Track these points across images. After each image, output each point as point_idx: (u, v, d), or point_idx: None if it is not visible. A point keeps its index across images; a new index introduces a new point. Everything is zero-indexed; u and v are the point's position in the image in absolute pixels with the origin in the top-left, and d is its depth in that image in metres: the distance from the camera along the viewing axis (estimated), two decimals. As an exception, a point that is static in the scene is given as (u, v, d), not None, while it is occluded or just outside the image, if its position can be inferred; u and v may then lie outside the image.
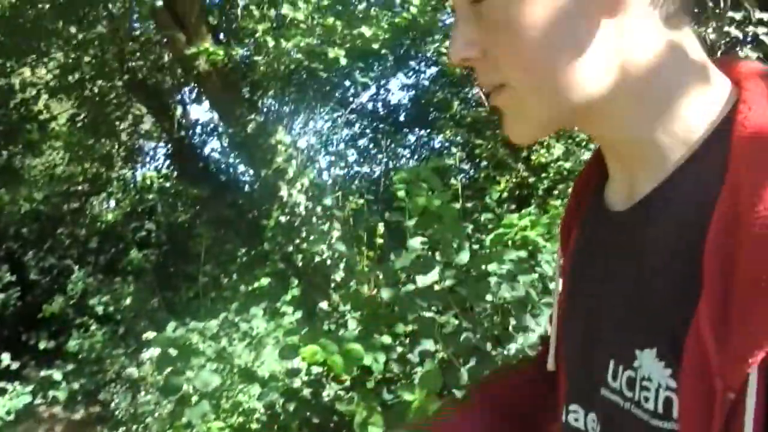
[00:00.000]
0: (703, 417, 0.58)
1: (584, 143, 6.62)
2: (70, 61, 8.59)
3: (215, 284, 6.86)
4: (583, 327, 0.81)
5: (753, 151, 0.61)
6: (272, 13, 6.19)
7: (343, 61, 5.99)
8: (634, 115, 0.71)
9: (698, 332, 0.59)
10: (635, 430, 0.68)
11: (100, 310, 7.50)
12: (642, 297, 0.70)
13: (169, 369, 5.81)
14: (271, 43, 5.86)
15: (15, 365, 7.38)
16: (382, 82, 9.48)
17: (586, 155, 6.26)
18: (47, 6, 8.39)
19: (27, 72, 9.42)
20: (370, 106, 9.76)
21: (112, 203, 9.60)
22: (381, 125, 9.53)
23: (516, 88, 0.72)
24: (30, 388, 7.15)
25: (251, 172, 7.42)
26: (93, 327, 7.50)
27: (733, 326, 0.57)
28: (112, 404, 7.09)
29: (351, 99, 8.71)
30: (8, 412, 6.87)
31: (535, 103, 0.72)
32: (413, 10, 6.11)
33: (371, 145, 9.82)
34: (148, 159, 9.40)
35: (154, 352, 6.32)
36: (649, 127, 0.70)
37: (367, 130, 9.88)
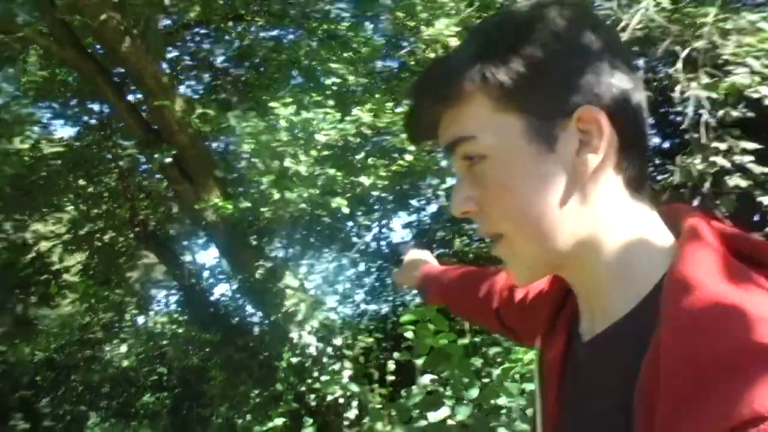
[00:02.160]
0: None
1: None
2: (82, 214, 8.96)
3: (230, 426, 6.95)
4: None
5: (674, 309, 0.69)
6: (276, 164, 6.45)
7: (346, 210, 6.24)
8: (602, 269, 0.81)
9: None
10: None
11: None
12: (591, 424, 0.80)
13: None
14: (276, 194, 6.07)
15: None
16: (384, 222, 9.70)
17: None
18: (59, 162, 8.82)
19: (40, 226, 9.79)
20: (374, 245, 9.92)
21: (124, 348, 9.74)
22: (385, 264, 9.73)
23: (509, 237, 0.83)
24: None
25: (261, 315, 7.61)
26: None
27: None
28: None
29: (355, 240, 8.93)
30: None
31: (527, 249, 0.83)
32: (409, 157, 6.42)
33: (377, 284, 9.95)
34: (159, 305, 9.60)
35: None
36: (613, 279, 0.81)
37: (373, 269, 9.99)
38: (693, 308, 0.68)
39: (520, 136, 0.80)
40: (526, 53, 0.80)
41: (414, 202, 9.45)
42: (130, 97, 7.78)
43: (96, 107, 8.97)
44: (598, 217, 0.81)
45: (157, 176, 8.34)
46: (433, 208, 9.41)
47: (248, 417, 6.96)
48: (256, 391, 7.07)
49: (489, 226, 0.85)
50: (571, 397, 0.87)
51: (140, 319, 9.63)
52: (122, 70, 7.53)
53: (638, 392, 0.69)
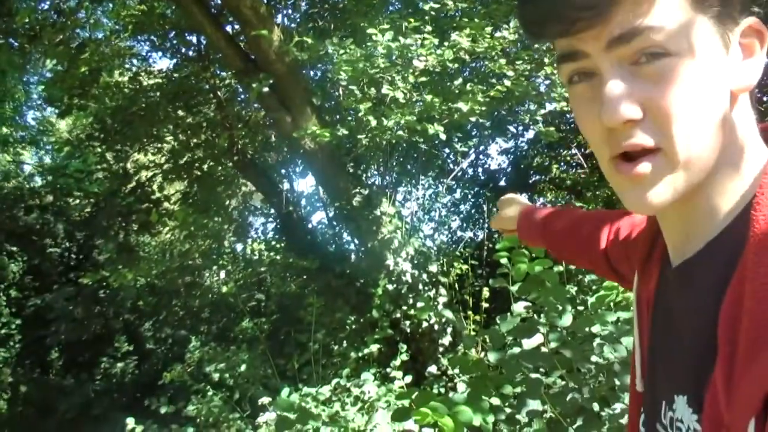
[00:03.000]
0: None
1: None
2: (181, 144, 9.20)
3: (326, 351, 7.11)
4: (652, 367, 0.90)
5: (761, 232, 0.68)
6: (373, 92, 6.45)
7: (443, 136, 6.20)
8: (723, 190, 0.77)
9: (714, 388, 0.68)
10: None
11: (216, 376, 7.85)
12: (682, 350, 0.79)
13: (287, 432, 6.10)
14: (373, 122, 6.08)
15: (139, 428, 7.78)
16: (481, 148, 9.63)
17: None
18: (158, 94, 9.04)
19: (141, 156, 10.12)
20: (470, 172, 9.92)
21: (223, 275, 10.06)
22: (482, 190, 9.69)
23: (670, 153, 0.74)
24: (153, 448, 7.53)
25: (357, 242, 7.71)
26: (210, 393, 7.86)
27: (735, 385, 0.64)
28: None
29: (452, 167, 8.90)
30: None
31: (683, 170, 0.74)
32: (507, 83, 6.30)
33: (473, 211, 9.96)
34: (257, 233, 9.84)
35: (269, 416, 6.60)
36: (721, 197, 0.77)
37: (469, 196, 10.03)
38: None
39: (706, 38, 0.73)
40: None
41: (511, 128, 9.33)
42: (228, 28, 7.87)
43: (194, 39, 9.13)
44: (733, 136, 0.76)
45: (255, 105, 8.46)
46: (530, 134, 9.29)
47: (344, 343, 7.10)
48: (353, 318, 7.20)
49: (650, 137, 0.74)
50: (663, 324, 0.86)
51: (239, 247, 9.91)
52: (219, 1, 7.60)
53: (722, 316, 0.68)
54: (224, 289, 9.32)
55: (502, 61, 6.38)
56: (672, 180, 0.75)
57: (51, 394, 10.04)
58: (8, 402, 9.94)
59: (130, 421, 7.75)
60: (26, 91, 12.89)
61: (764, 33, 0.76)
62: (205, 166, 9.00)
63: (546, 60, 6.56)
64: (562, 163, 9.16)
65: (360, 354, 6.69)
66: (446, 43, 6.11)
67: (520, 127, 9.25)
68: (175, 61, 9.62)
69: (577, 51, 0.75)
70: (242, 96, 8.84)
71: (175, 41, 9.38)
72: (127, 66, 10.17)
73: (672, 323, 0.83)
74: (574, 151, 8.69)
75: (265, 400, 6.52)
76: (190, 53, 9.33)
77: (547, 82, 6.89)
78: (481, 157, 9.97)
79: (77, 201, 11.26)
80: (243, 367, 7.65)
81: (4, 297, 10.34)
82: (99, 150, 9.87)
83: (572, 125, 8.18)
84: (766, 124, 0.83)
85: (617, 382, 3.44)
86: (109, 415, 9.47)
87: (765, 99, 6.68)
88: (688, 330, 0.77)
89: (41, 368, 10.57)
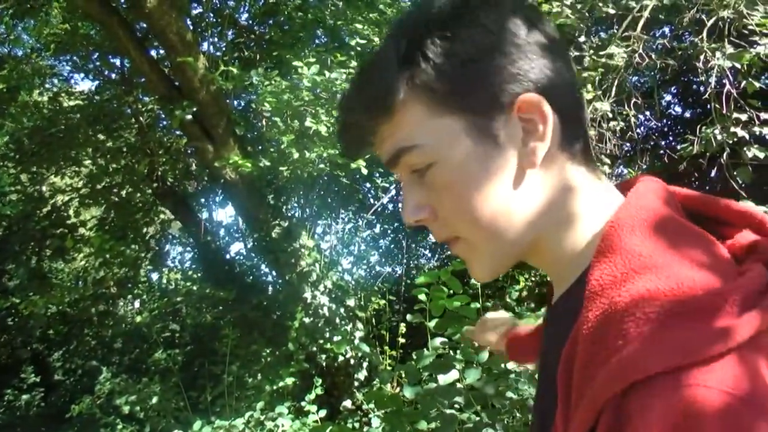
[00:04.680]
0: None
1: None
2: (100, 168, 8.98)
3: (240, 384, 6.99)
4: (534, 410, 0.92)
5: (588, 301, 0.72)
6: (296, 124, 6.44)
7: (364, 171, 6.23)
8: (559, 250, 0.83)
9: (555, 427, 0.71)
10: None
11: (126, 409, 7.62)
12: (543, 395, 0.84)
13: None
14: (295, 154, 6.07)
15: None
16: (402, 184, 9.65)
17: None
18: (78, 116, 8.83)
19: (57, 179, 9.84)
20: (390, 207, 9.87)
21: (137, 304, 9.82)
22: (401, 226, 9.65)
23: (467, 239, 0.83)
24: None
25: (275, 274, 7.64)
26: (119, 426, 7.61)
27: (571, 420, 0.68)
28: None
29: (372, 201, 8.91)
30: None
31: (486, 248, 0.82)
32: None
33: (392, 246, 9.97)
34: (174, 262, 9.65)
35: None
36: (567, 257, 0.83)
37: (389, 231, 10.00)
38: (606, 274, 0.71)
39: (462, 136, 0.79)
40: (453, 51, 0.78)
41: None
42: (152, 53, 7.78)
43: (117, 62, 8.99)
44: (551, 202, 0.81)
45: (177, 132, 8.35)
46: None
47: (259, 376, 7.00)
48: (268, 350, 7.11)
49: (445, 231, 0.84)
50: (542, 363, 0.89)
51: (154, 276, 9.70)
52: (145, 25, 7.51)
53: (561, 360, 0.72)
54: (138, 318, 9.09)
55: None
56: (486, 256, 0.83)
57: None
58: None
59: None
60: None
61: (540, 108, 0.78)
62: (124, 192, 8.81)
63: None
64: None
65: (275, 387, 6.60)
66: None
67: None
68: (97, 83, 9.46)
69: None
70: (164, 122, 8.71)
71: (98, 63, 9.22)
72: (47, 86, 9.94)
73: (546, 361, 0.87)
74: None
75: (176, 432, 6.37)
76: (113, 76, 9.19)
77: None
78: (401, 193, 9.91)
79: (-12, 224, 10.84)
80: (154, 400, 7.44)
81: None
82: (13, 171, 9.55)
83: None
84: (627, 181, 0.87)
85: (531, 419, 3.47)
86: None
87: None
88: (551, 371, 0.78)
89: (-59, 399, 10.07)
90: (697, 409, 0.58)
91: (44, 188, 9.71)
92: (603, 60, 4.77)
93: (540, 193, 0.81)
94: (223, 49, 7.94)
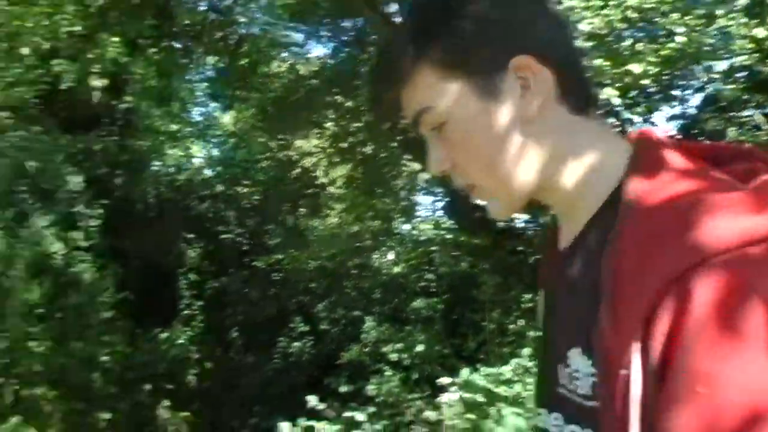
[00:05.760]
0: (610, 391, 0.77)
1: None
2: (342, 128, 9.33)
3: (501, 330, 7.05)
4: (548, 347, 1.00)
5: (627, 211, 0.82)
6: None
7: (617, 101, 5.93)
8: (568, 187, 0.93)
9: (600, 328, 0.79)
10: (577, 413, 0.88)
11: (393, 356, 7.97)
12: (573, 312, 0.91)
13: (471, 413, 6.07)
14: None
15: (321, 406, 8.02)
16: (647, 116, 9.13)
17: None
18: (315, 81, 9.20)
19: (304, 143, 10.38)
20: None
21: (392, 256, 10.17)
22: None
23: (483, 186, 0.96)
24: (337, 427, 7.76)
25: (530, 217, 7.55)
26: (388, 372, 7.99)
27: (618, 318, 0.76)
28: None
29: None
30: (319, 449, 7.53)
31: (499, 192, 0.95)
32: (680, 39, 5.91)
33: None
34: (426, 212, 9.87)
35: (451, 396, 6.62)
36: (577, 194, 0.93)
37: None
38: (642, 185, 0.83)
39: (468, 95, 0.91)
40: (457, 20, 0.91)
41: (677, 93, 8.75)
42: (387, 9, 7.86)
43: (348, 24, 9.20)
44: (553, 147, 0.92)
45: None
46: (698, 98, 8.65)
47: (520, 321, 7.00)
48: (528, 296, 7.09)
49: (463, 179, 0.97)
50: (557, 306, 0.99)
51: (406, 227, 9.97)
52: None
53: (603, 262, 0.81)
54: (395, 269, 9.42)
55: (674, 15, 5.99)
56: (501, 201, 0.97)
57: (233, 371, 10.55)
58: (196, 377, 10.54)
59: (312, 399, 8.03)
60: (191, 90, 13.53)
61: (531, 66, 0.89)
62: (368, 149, 9.08)
63: (718, 12, 6.13)
64: (738, 126, 8.48)
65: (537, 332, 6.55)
66: (612, 2, 5.83)
67: (688, 91, 8.65)
68: (330, 47, 9.76)
69: None
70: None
71: (330, 28, 9.49)
72: (284, 56, 10.43)
73: (562, 297, 0.97)
74: (750, 111, 8.06)
75: (444, 380, 6.54)
76: (345, 38, 9.42)
77: (721, 36, 6.44)
78: (647, 125, 9.38)
79: (246, 189, 11.71)
80: (419, 347, 7.71)
81: (185, 280, 10.91)
82: (262, 139, 10.18)
83: (747, 83, 7.61)
84: (640, 131, 0.97)
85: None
86: (289, 392, 9.84)
87: None
88: (581, 292, 0.88)
89: (223, 347, 11.12)
90: (753, 285, 0.71)
91: (292, 152, 10.27)
92: None
93: (543, 141, 0.92)
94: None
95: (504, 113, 0.91)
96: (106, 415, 8.38)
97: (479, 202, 1.01)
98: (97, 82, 8.70)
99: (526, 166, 0.93)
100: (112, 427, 8.53)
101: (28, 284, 7.84)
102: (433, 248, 8.67)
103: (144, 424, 9.27)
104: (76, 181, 8.88)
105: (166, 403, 9.36)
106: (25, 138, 8.57)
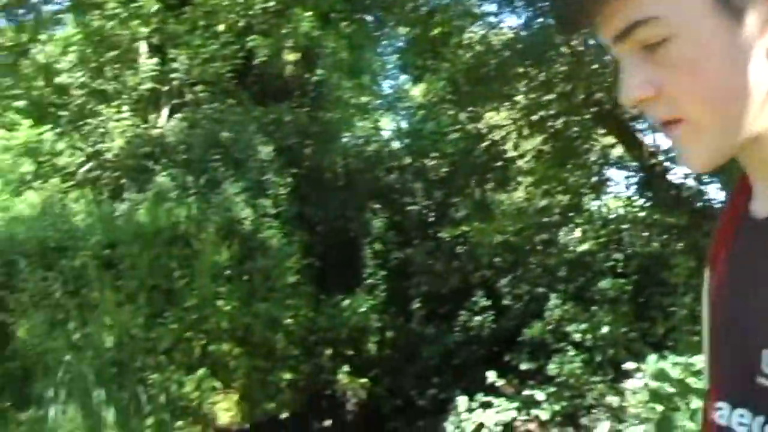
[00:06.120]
0: None
1: None
2: (534, 100, 9.11)
3: (693, 317, 6.61)
4: (734, 330, 0.84)
5: None
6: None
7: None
8: None
9: None
10: None
11: (576, 336, 7.74)
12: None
13: (659, 403, 5.74)
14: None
15: (500, 382, 7.96)
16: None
17: None
18: (508, 52, 9.02)
19: (493, 115, 10.26)
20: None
21: (578, 233, 9.87)
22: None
23: (694, 121, 0.78)
24: (515, 405, 7.68)
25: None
26: (570, 353, 7.77)
27: None
28: (594, 431, 7.27)
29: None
30: (496, 424, 7.51)
31: (714, 133, 0.78)
32: None
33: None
34: (617, 187, 9.50)
35: (636, 383, 6.31)
36: None
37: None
38: None
39: (707, 10, 0.75)
40: None
41: None
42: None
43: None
44: None
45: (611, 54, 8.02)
46: None
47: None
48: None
49: (670, 111, 0.80)
50: (746, 285, 0.83)
51: (595, 204, 9.64)
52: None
53: None
54: (582, 247, 9.12)
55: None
56: (706, 144, 0.79)
57: (413, 341, 10.72)
58: (376, 345, 10.81)
59: (491, 375, 7.99)
60: (381, 62, 13.80)
61: None
62: (560, 121, 8.82)
63: None
64: None
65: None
66: None
67: None
68: (524, 17, 9.53)
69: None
70: (598, 46, 8.45)
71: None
72: (476, 27, 10.32)
73: (762, 271, 0.80)
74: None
75: (629, 365, 6.25)
76: (539, 8, 9.14)
77: None
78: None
79: (433, 161, 11.78)
80: (604, 329, 7.43)
81: (370, 250, 11.19)
82: (451, 112, 10.15)
83: None
84: None
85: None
86: (468, 365, 9.86)
87: None
88: None
89: (404, 317, 11.32)
90: None
91: (481, 125, 10.19)
92: None
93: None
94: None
95: (744, 42, 0.76)
96: (288, 375, 8.83)
97: (673, 145, 0.84)
98: (290, 56, 9.05)
99: (753, 109, 0.77)
100: (293, 387, 8.96)
101: (218, 247, 8.36)
102: (624, 226, 8.27)
103: (323, 387, 9.67)
104: (266, 151, 9.34)
105: (346, 368, 9.70)
106: (220, 110, 9.10)
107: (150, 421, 7.14)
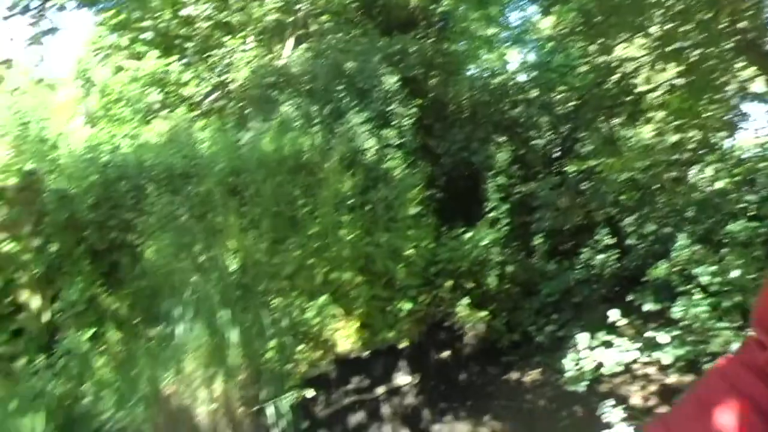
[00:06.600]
0: None
1: None
2: (668, 31, 8.62)
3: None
4: None
5: None
6: None
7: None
8: None
9: None
10: None
11: (704, 279, 7.42)
12: None
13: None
14: None
15: (622, 322, 7.76)
16: None
17: None
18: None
19: (624, 48, 9.81)
20: None
21: (709, 172, 9.40)
22: None
23: None
24: (637, 345, 7.49)
25: None
26: (696, 296, 7.46)
27: None
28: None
29: None
30: (618, 364, 7.36)
31: None
32: None
33: None
34: (755, 123, 8.95)
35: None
36: None
37: None
38: None
39: None
40: None
41: None
42: None
43: None
44: None
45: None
46: None
47: None
48: None
49: None
50: None
51: (730, 141, 9.14)
52: None
53: None
54: (713, 186, 8.67)
55: None
56: None
57: (534, 276, 10.62)
58: (497, 279, 10.78)
59: (614, 314, 7.80)
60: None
61: None
62: (698, 52, 8.30)
63: None
64: None
65: None
66: None
67: None
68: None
69: None
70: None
71: None
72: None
73: None
74: None
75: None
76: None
77: None
78: None
79: (561, 95, 11.44)
80: (734, 273, 7.09)
81: (493, 183, 11.06)
82: (582, 44, 9.79)
83: None
84: None
85: None
86: (589, 303, 9.71)
87: None
88: None
89: (526, 252, 11.21)
90: None
91: (612, 57, 9.78)
92: None
93: None
94: None
95: None
96: (407, 305, 8.96)
97: None
98: (416, -13, 8.93)
99: None
100: (412, 318, 9.11)
101: (341, 177, 8.47)
102: (760, 166, 7.78)
103: (442, 318, 9.78)
104: (391, 82, 9.32)
105: (465, 301, 9.75)
106: (345, 40, 9.11)
107: (272, 343, 7.40)
